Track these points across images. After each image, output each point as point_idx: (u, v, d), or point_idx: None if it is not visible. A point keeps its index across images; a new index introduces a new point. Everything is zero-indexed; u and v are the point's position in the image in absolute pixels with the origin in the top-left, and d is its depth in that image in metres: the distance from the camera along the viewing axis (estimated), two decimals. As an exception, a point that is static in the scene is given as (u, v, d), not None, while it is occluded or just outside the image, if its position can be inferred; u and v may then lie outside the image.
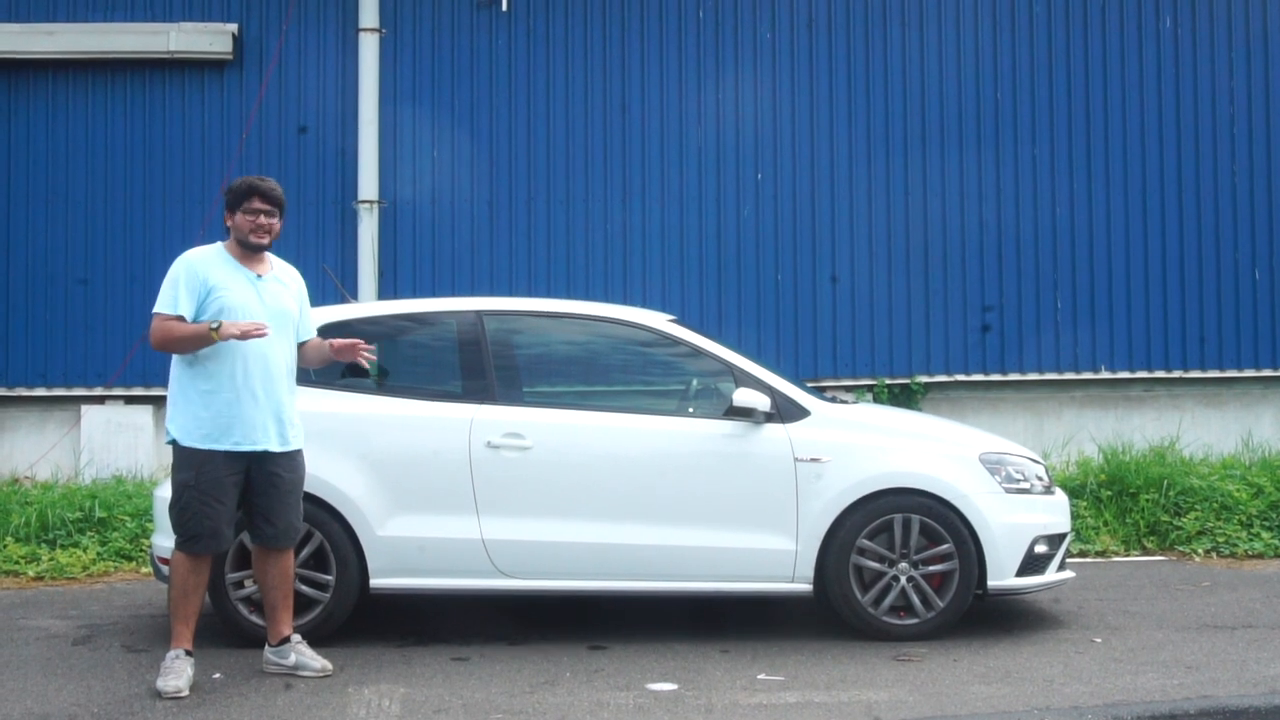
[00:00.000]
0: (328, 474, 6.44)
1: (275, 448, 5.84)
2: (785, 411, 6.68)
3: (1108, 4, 11.67)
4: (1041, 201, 11.56)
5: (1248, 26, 11.75)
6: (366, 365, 6.18)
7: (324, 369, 6.51)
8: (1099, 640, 6.67)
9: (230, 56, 11.19)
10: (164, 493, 6.46)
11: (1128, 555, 9.20)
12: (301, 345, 6.11)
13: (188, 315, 5.72)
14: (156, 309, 5.77)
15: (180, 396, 5.80)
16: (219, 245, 5.97)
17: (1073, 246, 11.55)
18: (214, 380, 5.72)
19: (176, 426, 5.79)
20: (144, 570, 8.61)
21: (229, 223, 5.92)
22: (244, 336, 5.64)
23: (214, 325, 5.62)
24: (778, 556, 6.56)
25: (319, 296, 6.35)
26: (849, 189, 11.50)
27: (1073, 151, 11.59)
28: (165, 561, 6.28)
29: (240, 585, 6.42)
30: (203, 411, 5.74)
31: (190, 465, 5.74)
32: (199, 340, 5.67)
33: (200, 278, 5.76)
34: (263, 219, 5.88)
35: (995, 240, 11.52)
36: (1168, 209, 11.62)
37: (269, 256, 6.03)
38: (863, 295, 11.44)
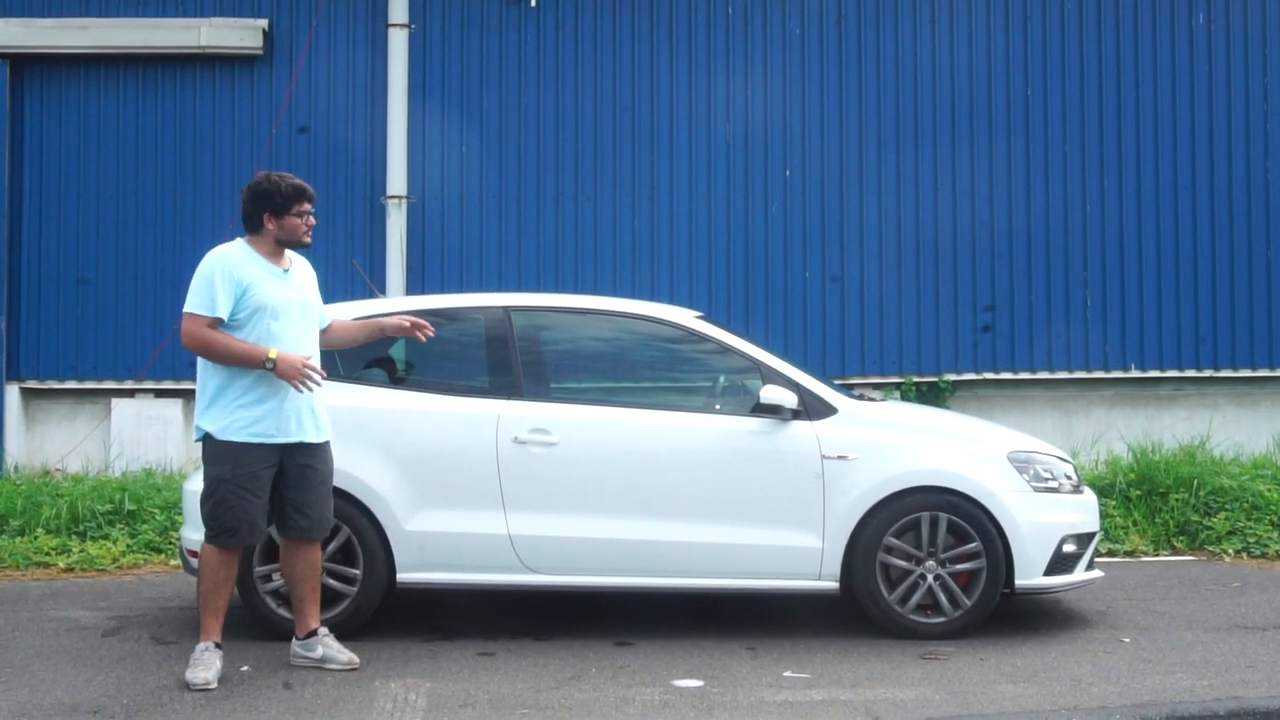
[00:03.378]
0: (355, 468, 6.46)
1: (311, 438, 5.88)
2: (812, 409, 6.66)
3: (1140, 1, 11.59)
4: (1072, 198, 11.49)
5: (1283, 24, 11.66)
6: (424, 339, 6.30)
7: (351, 362, 6.54)
8: (1127, 640, 6.64)
9: (260, 52, 11.24)
10: (193, 486, 6.50)
11: (1157, 555, 9.14)
12: (320, 333, 6.15)
13: (225, 316, 5.75)
14: (191, 309, 5.77)
15: (214, 391, 5.82)
16: (241, 242, 5.98)
17: (1103, 244, 11.47)
18: (249, 374, 5.76)
19: (209, 421, 5.81)
20: (173, 563, 8.66)
21: (270, 224, 5.91)
22: (294, 378, 5.70)
23: (270, 360, 5.68)
24: (804, 554, 6.55)
25: (348, 291, 6.40)
26: (877, 185, 11.46)
27: (1104, 149, 11.51)
28: (194, 554, 6.32)
29: (268, 578, 6.45)
30: (239, 405, 5.77)
31: (227, 458, 5.76)
32: (248, 362, 5.73)
33: (235, 277, 5.79)
34: (311, 219, 6.01)
35: (1024, 238, 11.45)
36: (1199, 205, 11.53)
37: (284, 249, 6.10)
38: (890, 293, 11.40)
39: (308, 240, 6.00)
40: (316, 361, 5.93)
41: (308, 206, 5.97)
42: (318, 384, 5.81)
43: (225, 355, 5.76)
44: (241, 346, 5.75)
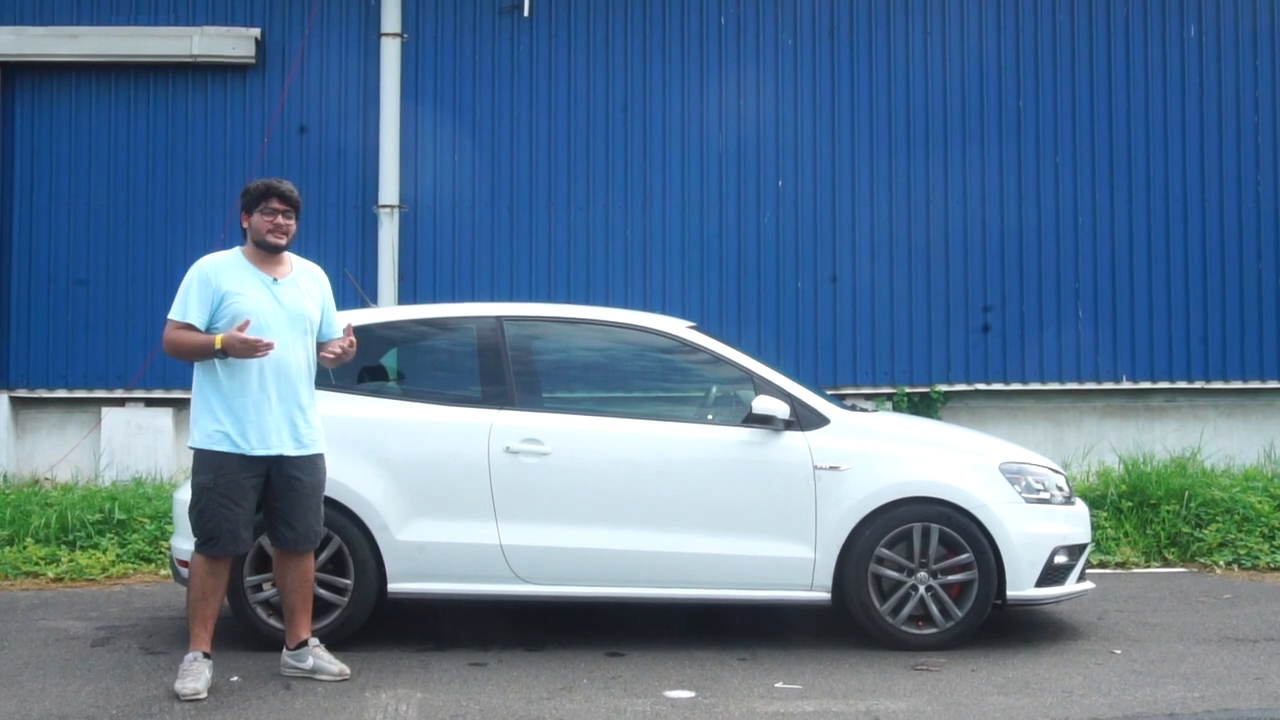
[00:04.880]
0: (347, 478, 6.44)
1: (290, 451, 5.85)
2: (805, 419, 6.66)
3: (1131, 12, 11.63)
4: (1064, 209, 11.51)
5: (1273, 35, 11.67)
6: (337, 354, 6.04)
7: (343, 372, 6.53)
8: (1119, 652, 6.64)
9: (253, 61, 11.24)
10: (183, 495, 6.48)
11: (1148, 567, 9.15)
12: (326, 344, 6.09)
13: (198, 324, 5.75)
14: (169, 315, 5.82)
15: (200, 400, 5.83)
16: (237, 250, 5.98)
17: (1094, 255, 11.50)
18: (231, 384, 5.75)
19: (196, 429, 5.83)
20: (163, 572, 8.63)
21: (245, 224, 5.94)
22: (247, 353, 5.65)
23: (219, 350, 5.65)
24: (796, 564, 6.55)
25: (340, 300, 6.35)
26: (869, 196, 11.48)
27: (1095, 160, 11.54)
28: (184, 564, 6.30)
29: (259, 588, 6.43)
30: (221, 414, 5.76)
31: (209, 468, 5.77)
32: (204, 352, 5.72)
33: (212, 285, 5.78)
34: (280, 219, 5.89)
35: (1016, 249, 11.48)
36: (1190, 218, 11.56)
37: (289, 258, 6.04)
38: (883, 303, 11.42)
39: (272, 240, 5.86)
40: (306, 373, 5.91)
41: (276, 205, 5.89)
42: (268, 350, 5.67)
43: (185, 351, 5.77)
44: (197, 340, 5.73)
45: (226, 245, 6.14)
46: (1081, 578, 6.93)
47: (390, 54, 11.28)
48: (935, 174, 11.50)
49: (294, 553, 5.94)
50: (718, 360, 6.96)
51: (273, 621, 6.38)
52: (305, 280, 6.04)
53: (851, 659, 6.42)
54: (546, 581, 6.58)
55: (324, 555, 6.41)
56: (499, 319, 6.96)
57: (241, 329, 5.65)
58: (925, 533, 6.56)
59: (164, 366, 10.90)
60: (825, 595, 6.58)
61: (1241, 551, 9.10)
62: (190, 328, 5.76)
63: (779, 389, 6.72)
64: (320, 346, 6.04)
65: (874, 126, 11.52)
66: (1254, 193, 11.61)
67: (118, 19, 11.33)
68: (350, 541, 6.47)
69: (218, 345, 5.65)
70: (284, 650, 6.05)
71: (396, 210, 11.19)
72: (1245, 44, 11.67)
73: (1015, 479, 6.72)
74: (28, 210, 11.29)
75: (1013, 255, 11.49)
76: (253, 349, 5.65)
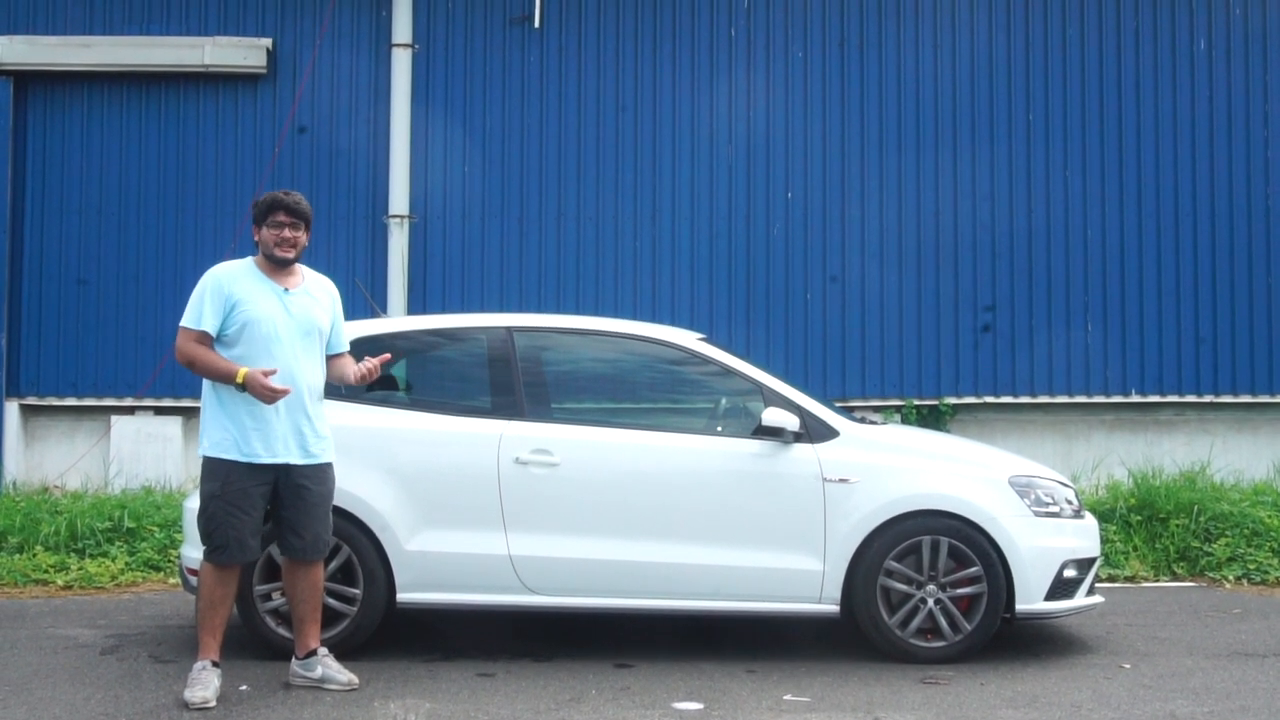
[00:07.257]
0: (356, 488, 6.45)
1: (296, 460, 5.86)
2: (814, 431, 6.66)
3: (1140, 25, 11.64)
4: (1073, 224, 11.51)
5: (1283, 50, 11.71)
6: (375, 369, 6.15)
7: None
8: (1128, 666, 6.62)
9: (264, 70, 11.28)
10: (193, 504, 6.50)
11: (1157, 581, 9.13)
12: (334, 358, 6.13)
13: (211, 331, 5.78)
14: (182, 322, 5.84)
15: (211, 408, 5.86)
16: (249, 259, 6.01)
17: (1104, 268, 11.49)
18: (238, 393, 5.76)
19: (205, 437, 5.85)
20: (172, 581, 8.64)
21: (256, 237, 5.97)
22: (264, 397, 5.67)
23: (238, 384, 5.68)
24: (805, 577, 6.54)
25: (349, 310, 6.37)
26: (879, 208, 11.49)
27: (1105, 175, 11.54)
28: (194, 572, 6.31)
29: (268, 597, 6.45)
30: (228, 423, 5.78)
31: (216, 476, 5.79)
32: (221, 379, 5.75)
33: (225, 293, 5.81)
34: (286, 233, 5.91)
35: (1025, 263, 11.48)
36: (1200, 230, 11.55)
37: (301, 269, 6.06)
38: (892, 316, 11.42)
39: (279, 254, 5.89)
40: (314, 383, 5.93)
41: (282, 218, 5.90)
42: (286, 392, 5.74)
43: (205, 370, 5.80)
44: (219, 364, 5.75)
45: (237, 254, 6.17)
46: (1090, 592, 6.92)
47: (401, 64, 11.32)
48: (945, 187, 11.51)
49: (303, 562, 5.95)
50: (727, 372, 6.96)
51: (281, 630, 6.38)
52: (317, 291, 6.07)
53: (860, 671, 6.42)
54: (555, 592, 6.58)
55: (333, 565, 6.42)
56: (509, 329, 6.96)
57: (267, 374, 5.68)
58: (934, 546, 6.55)
59: (173, 375, 10.93)
60: (834, 608, 6.58)
61: (1251, 566, 9.08)
62: (205, 335, 5.78)
63: (788, 401, 6.72)
64: (328, 360, 6.08)
65: (884, 139, 11.52)
66: (1264, 205, 11.60)
67: (130, 29, 11.38)
68: (359, 551, 6.48)
69: (239, 380, 5.68)
70: (293, 659, 6.06)
71: (406, 220, 11.21)
72: (1255, 58, 11.67)
73: (1024, 492, 6.71)
74: (39, 218, 11.33)
75: (1022, 268, 11.49)
76: (272, 396, 5.68)
